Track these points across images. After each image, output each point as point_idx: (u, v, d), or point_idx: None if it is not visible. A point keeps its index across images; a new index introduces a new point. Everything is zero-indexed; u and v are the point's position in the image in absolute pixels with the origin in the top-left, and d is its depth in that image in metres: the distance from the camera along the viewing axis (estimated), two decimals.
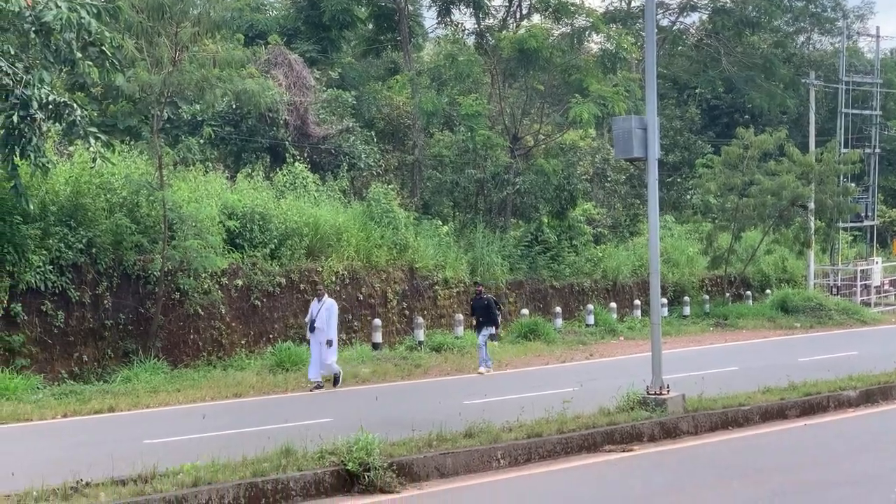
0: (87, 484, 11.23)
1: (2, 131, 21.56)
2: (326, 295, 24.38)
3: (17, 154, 21.42)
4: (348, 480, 12.62)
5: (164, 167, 25.53)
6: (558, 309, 36.76)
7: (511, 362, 28.52)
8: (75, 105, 22.11)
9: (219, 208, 27.54)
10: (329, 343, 23.15)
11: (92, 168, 24.66)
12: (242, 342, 27.39)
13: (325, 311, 23.43)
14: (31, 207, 23.06)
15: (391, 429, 14.59)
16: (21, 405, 19.93)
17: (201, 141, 30.66)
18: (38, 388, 21.73)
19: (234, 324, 27.29)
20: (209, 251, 25.55)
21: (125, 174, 26.01)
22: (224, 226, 27.38)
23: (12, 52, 21.49)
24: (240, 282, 27.32)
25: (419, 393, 22.69)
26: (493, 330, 26.91)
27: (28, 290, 23.02)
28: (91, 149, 22.43)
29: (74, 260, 24.03)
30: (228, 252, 27.35)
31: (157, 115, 26.27)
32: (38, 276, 23.14)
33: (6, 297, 22.65)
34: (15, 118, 20.87)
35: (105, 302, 24.64)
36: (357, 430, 13.35)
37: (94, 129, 22.73)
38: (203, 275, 26.06)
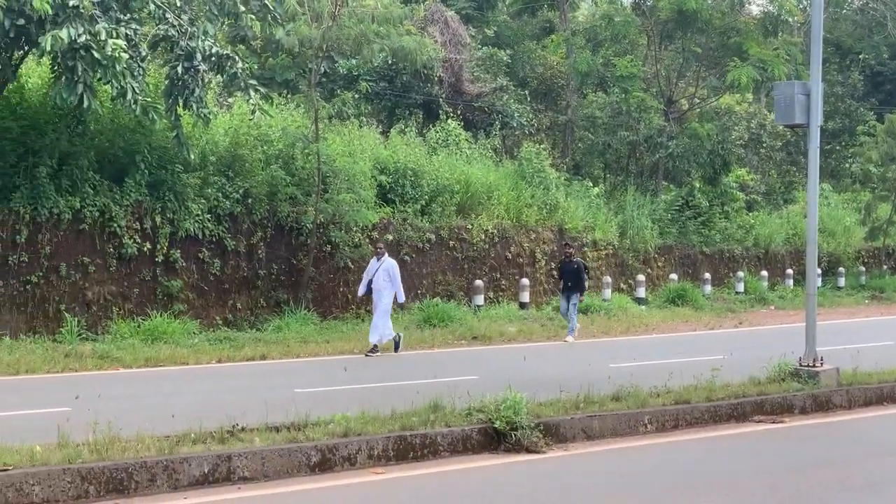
0: (243, 429, 11.47)
1: (166, 82, 22.15)
2: (387, 254, 22.78)
3: (181, 104, 21.95)
4: (495, 438, 12.63)
5: (319, 121, 25.85)
6: (707, 275, 36.22)
7: (658, 327, 28.23)
8: (237, 57, 22.53)
9: (372, 163, 27.80)
10: (402, 306, 22.36)
11: (250, 120, 25.18)
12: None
13: (384, 272, 21.96)
14: (192, 157, 23.66)
15: (537, 389, 14.54)
16: (178, 349, 20.53)
17: (356, 96, 30.93)
18: (194, 332, 22.36)
19: None
20: (361, 205, 25.82)
21: (282, 127, 26.50)
22: (376, 180, 27.65)
23: (178, 5, 21.98)
24: (390, 236, 27.57)
25: (564, 354, 22.60)
26: (579, 297, 25.38)
27: (187, 237, 23.66)
28: (251, 101, 22.84)
29: (231, 210, 24.58)
30: (380, 207, 27.61)
31: (314, 70, 26.59)
32: (196, 225, 23.74)
33: (166, 244, 23.32)
34: (179, 69, 21.40)
35: (259, 252, 25.17)
36: (504, 389, 13.35)
37: (253, 82, 23.14)
38: (354, 228, 26.39)
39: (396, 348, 21.91)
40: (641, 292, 32.98)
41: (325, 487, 10.54)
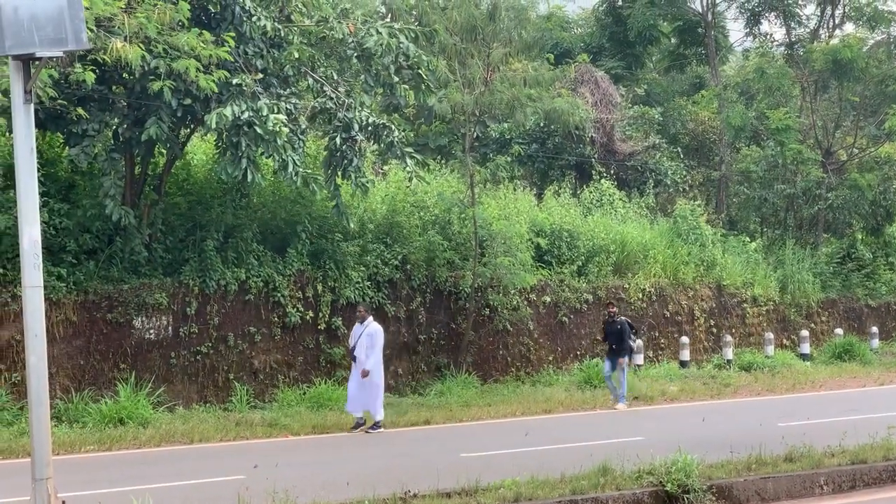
0: (415, 495, 11.59)
1: (325, 153, 22.68)
2: (371, 318, 20.71)
3: (339, 174, 22.43)
4: (666, 501, 12.50)
5: (474, 185, 26.12)
6: (874, 329, 35.14)
7: (825, 383, 27.50)
8: (393, 127, 22.95)
9: (527, 225, 27.90)
10: (365, 374, 19.74)
11: (407, 187, 25.62)
12: (550, 358, 27.65)
13: (367, 338, 20.12)
14: (351, 225, 24.10)
15: (706, 449, 14.33)
16: (343, 415, 20.80)
17: (509, 159, 31.16)
18: None
19: (541, 340, 27.58)
20: (518, 268, 25.89)
21: (437, 192, 26.82)
22: (532, 243, 27.72)
23: (335, 78, 22.57)
24: (548, 298, 27.58)
25: (730, 413, 22.19)
26: (625, 359, 23.54)
27: (347, 304, 24.02)
28: (407, 168, 23.20)
29: (390, 276, 24.92)
30: (537, 269, 27.65)
31: (468, 135, 26.93)
32: (356, 292, 24.11)
33: (328, 312, 23.74)
34: (338, 140, 21.88)
35: (419, 317, 25.43)
36: (673, 451, 13.20)
37: (409, 150, 23.50)
38: (512, 291, 26.47)
39: (357, 426, 19.86)
40: (806, 348, 32.15)
41: None
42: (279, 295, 23.03)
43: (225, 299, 22.47)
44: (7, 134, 20.91)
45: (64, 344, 20.62)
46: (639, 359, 28.17)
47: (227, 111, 19.33)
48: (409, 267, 25.30)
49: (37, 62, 9.22)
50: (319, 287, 23.69)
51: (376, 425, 19.73)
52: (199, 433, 18.62)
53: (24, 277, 9.47)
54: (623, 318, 24.28)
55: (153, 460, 16.42)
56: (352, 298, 23.94)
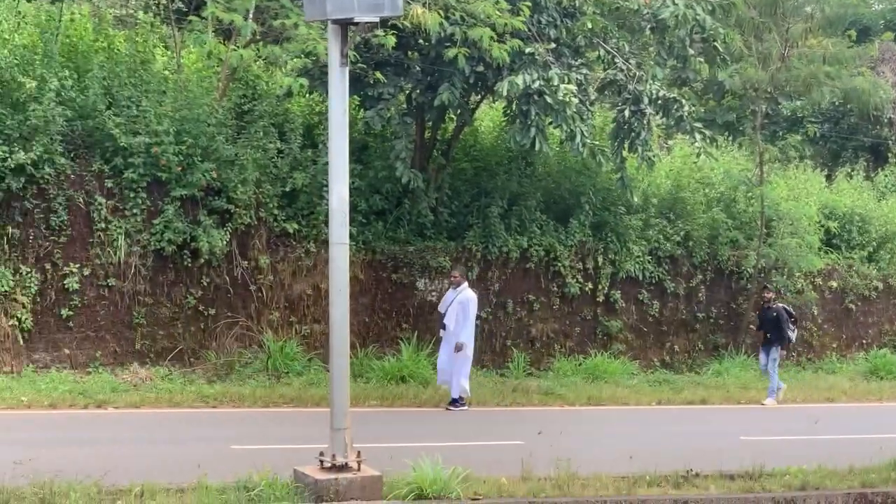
0: (696, 475, 11.43)
1: (613, 125, 22.55)
2: (466, 284, 18.98)
3: (626, 147, 22.27)
4: None
5: (763, 163, 25.42)
6: None
7: None
8: (683, 101, 22.57)
9: (817, 207, 26.95)
10: (459, 348, 18.06)
11: (694, 163, 25.21)
12: (833, 345, 26.72)
13: (458, 305, 18.32)
14: (635, 199, 23.90)
15: None
16: (618, 389, 20.77)
17: (800, 138, 30.14)
18: (633, 373, 22.52)
19: (825, 326, 26.66)
20: (805, 250, 25.09)
21: (724, 169, 26.28)
22: (821, 225, 26.79)
23: (626, 49, 22.36)
24: (834, 283, 26.60)
25: None
26: (779, 350, 21.59)
27: (627, 278, 23.89)
28: (696, 144, 22.79)
29: (671, 252, 24.60)
30: (825, 253, 26.70)
31: (759, 112, 26.21)
32: (636, 266, 23.94)
33: (607, 285, 23.67)
34: (626, 113, 21.71)
35: (699, 295, 25.03)
36: None
37: (698, 125, 23.05)
38: (797, 274, 25.67)
39: (453, 403, 18.21)
40: None
41: None
42: (559, 265, 23.10)
43: (506, 266, 22.72)
44: (308, 95, 21.79)
45: (351, 301, 20.87)
46: None
47: (519, 80, 19.46)
48: (691, 244, 24.90)
49: (354, 27, 9.53)
50: (600, 259, 23.61)
51: (456, 402, 18.12)
52: (477, 397, 18.89)
53: (332, 234, 9.85)
54: (781, 304, 22.43)
55: (433, 419, 16.84)
56: (632, 272, 23.80)
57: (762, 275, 25.25)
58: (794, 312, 22.24)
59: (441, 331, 18.73)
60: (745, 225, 25.94)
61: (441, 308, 18.96)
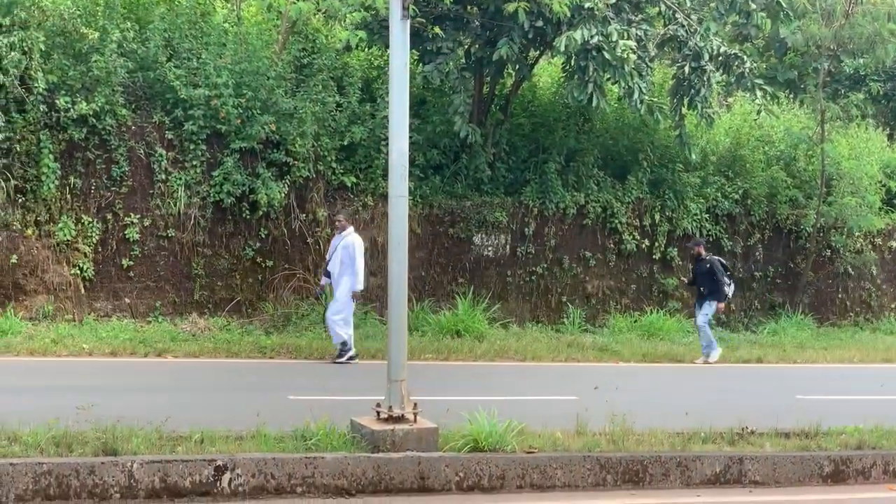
0: (752, 432, 11.38)
1: (672, 81, 22.38)
2: (351, 228, 17.66)
3: (685, 104, 22.12)
4: None
5: (825, 122, 25.12)
6: None
7: None
8: (744, 57, 22.33)
9: (878, 167, 26.60)
10: (355, 296, 17.15)
11: (754, 120, 24.97)
12: (892, 306, 26.47)
13: (343, 251, 17.18)
14: (693, 156, 23.74)
15: None
16: (673, 346, 20.72)
17: (862, 97, 29.73)
18: (688, 331, 22.42)
19: (885, 286, 26.44)
20: (866, 210, 24.82)
21: (784, 127, 26.00)
22: (883, 185, 26.47)
23: (687, 4, 22.14)
24: (894, 244, 26.34)
25: None
26: (715, 305, 19.91)
27: (684, 236, 23.78)
28: (756, 101, 22.59)
29: (729, 210, 24.49)
30: (885, 213, 26.39)
31: (821, 70, 25.89)
32: (693, 224, 23.86)
33: (663, 242, 23.60)
34: (686, 69, 21.57)
35: (756, 253, 24.92)
36: None
37: (759, 82, 22.84)
38: (857, 234, 25.44)
39: (340, 356, 16.92)
40: None
41: (837, 500, 10.24)
42: (616, 221, 23.06)
43: (563, 222, 22.72)
44: (367, 49, 21.81)
45: (408, 255, 21.33)
46: None
47: (577, 35, 19.36)
48: (749, 202, 24.75)
49: None
50: (657, 216, 23.54)
51: (342, 352, 16.90)
52: (532, 352, 18.96)
53: (391, 187, 9.90)
54: (712, 255, 20.68)
55: (487, 374, 16.89)
56: (689, 230, 23.71)
57: (821, 234, 25.06)
58: (725, 263, 20.58)
59: (324, 278, 17.80)
60: (805, 184, 25.71)
61: (328, 255, 17.84)
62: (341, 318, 16.97)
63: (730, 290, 20.13)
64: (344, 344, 16.94)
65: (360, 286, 17.20)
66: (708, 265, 19.93)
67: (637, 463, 10.05)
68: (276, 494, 8.84)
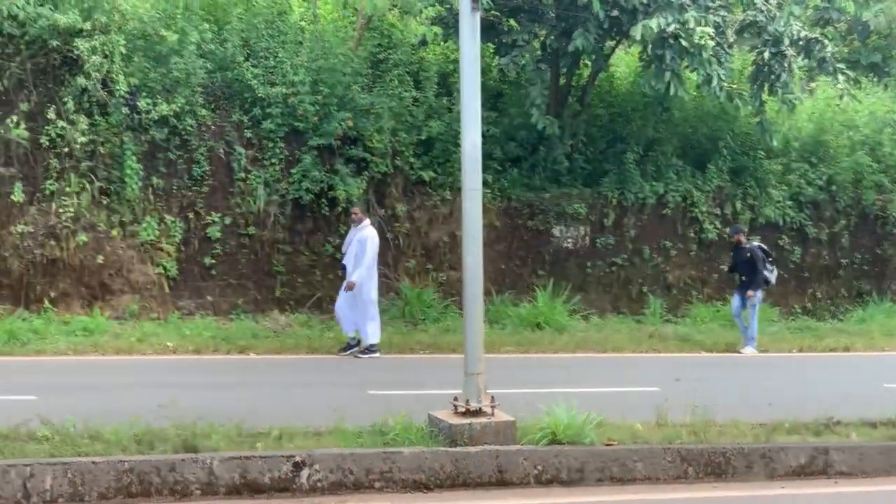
0: (838, 422, 11.18)
1: (752, 67, 22.07)
2: (367, 221, 17.37)
3: (766, 90, 21.80)
4: None
5: None
6: None
7: None
8: (826, 41, 21.96)
9: None
10: (350, 287, 16.61)
11: (837, 105, 24.52)
12: None
13: (358, 244, 16.88)
14: (775, 143, 23.43)
15: None
16: (760, 337, 20.44)
17: None
18: (773, 320, 22.13)
19: None
20: None
21: (869, 112, 25.55)
22: None
23: None
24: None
25: None
26: (756, 293, 19.37)
27: (766, 224, 23.48)
28: (839, 86, 22.21)
29: (814, 197, 24.11)
30: None
31: None
32: (776, 211, 23.55)
33: (746, 230, 23.26)
34: (766, 55, 21.26)
35: (842, 240, 24.49)
36: None
37: (841, 66, 22.46)
38: None
39: (346, 349, 16.93)
40: None
41: None
42: (697, 210, 22.85)
43: (642, 212, 22.55)
44: (442, 43, 21.82)
45: (487, 248, 21.05)
46: None
47: (653, 23, 19.18)
48: (833, 188, 24.35)
49: None
50: (738, 205, 23.29)
51: (370, 349, 16.77)
52: (612, 343, 18.85)
53: (465, 180, 9.85)
54: (754, 243, 20.22)
55: (568, 365, 16.80)
56: (772, 218, 23.43)
57: None
58: (769, 252, 20.22)
59: (340, 272, 17.65)
60: (891, 168, 25.20)
61: (343, 248, 17.58)
62: (369, 319, 16.75)
63: (772, 276, 19.82)
64: (359, 342, 16.88)
65: (355, 278, 16.57)
66: (748, 253, 19.60)
67: (719, 455, 9.90)
68: (355, 489, 8.85)
